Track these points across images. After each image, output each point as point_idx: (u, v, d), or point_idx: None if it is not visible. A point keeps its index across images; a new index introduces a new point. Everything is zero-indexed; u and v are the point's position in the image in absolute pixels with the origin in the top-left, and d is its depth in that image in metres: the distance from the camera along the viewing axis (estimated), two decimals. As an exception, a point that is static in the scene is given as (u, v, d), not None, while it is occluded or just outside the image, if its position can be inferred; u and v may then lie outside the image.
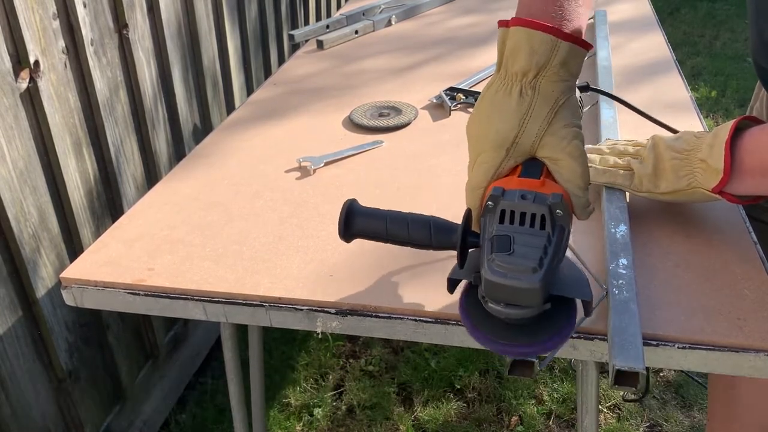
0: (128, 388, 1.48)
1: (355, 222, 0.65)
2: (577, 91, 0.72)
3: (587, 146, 0.87)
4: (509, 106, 0.62)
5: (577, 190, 0.61)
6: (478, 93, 1.23)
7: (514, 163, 0.63)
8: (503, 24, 0.64)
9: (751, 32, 0.85)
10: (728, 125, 0.71)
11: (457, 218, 0.87)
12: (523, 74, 0.61)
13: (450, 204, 0.91)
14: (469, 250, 0.62)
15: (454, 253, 0.62)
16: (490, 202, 0.60)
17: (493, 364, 1.81)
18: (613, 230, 0.77)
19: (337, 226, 0.65)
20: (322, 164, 1.02)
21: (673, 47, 1.47)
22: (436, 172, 1.00)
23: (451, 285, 0.63)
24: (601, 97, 1.12)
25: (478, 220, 0.64)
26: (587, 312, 0.61)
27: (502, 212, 0.59)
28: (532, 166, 0.62)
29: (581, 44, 0.62)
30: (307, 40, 1.63)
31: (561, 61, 0.61)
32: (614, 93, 1.11)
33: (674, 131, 0.88)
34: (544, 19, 0.61)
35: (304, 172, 1.01)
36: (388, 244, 0.65)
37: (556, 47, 0.60)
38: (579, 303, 0.62)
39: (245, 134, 1.15)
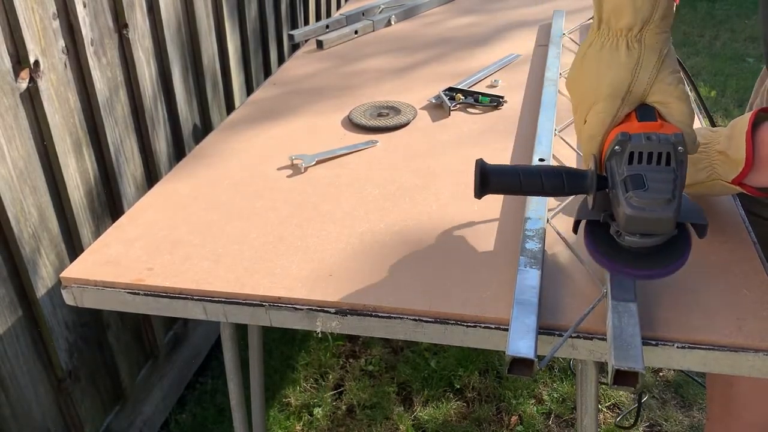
0: (128, 388, 1.48)
1: (490, 180, 0.71)
2: None
3: None
4: (619, 59, 0.67)
5: (687, 128, 0.67)
6: (478, 93, 1.23)
7: (628, 110, 0.69)
8: None
9: (764, 22, 0.87)
10: (746, 117, 0.73)
11: (458, 217, 0.87)
12: (628, 29, 0.67)
13: (450, 203, 0.91)
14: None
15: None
16: (617, 147, 0.65)
17: (493, 363, 1.81)
18: (612, 230, 0.77)
19: (473, 186, 0.72)
20: (314, 162, 1.02)
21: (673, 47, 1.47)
22: (435, 171, 1.00)
23: (577, 225, 0.70)
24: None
25: (601, 165, 0.70)
26: (701, 234, 0.66)
27: (631, 154, 0.64)
28: (647, 111, 0.68)
29: None
30: (306, 40, 1.63)
31: (661, 16, 0.66)
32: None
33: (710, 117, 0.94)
34: None
35: (295, 169, 1.02)
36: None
37: (657, 3, 0.66)
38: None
39: (245, 134, 1.15)
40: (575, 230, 0.70)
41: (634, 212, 0.61)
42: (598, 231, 0.68)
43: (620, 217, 0.63)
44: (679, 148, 0.64)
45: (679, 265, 0.65)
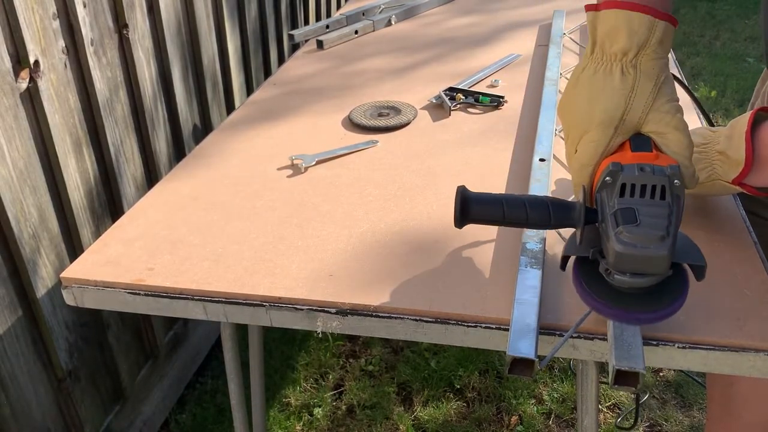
0: (128, 388, 1.48)
1: (471, 209, 0.66)
2: None
3: None
4: (612, 85, 0.64)
5: (685, 161, 0.64)
6: (478, 93, 1.23)
7: (622, 140, 0.65)
8: (592, 8, 0.65)
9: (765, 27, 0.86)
10: (745, 116, 0.72)
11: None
12: (623, 54, 0.64)
13: (450, 203, 0.91)
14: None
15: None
16: (608, 178, 0.62)
17: (493, 364, 1.81)
18: (612, 230, 0.77)
19: (453, 214, 0.66)
20: (314, 162, 1.02)
21: (673, 47, 1.47)
22: (435, 171, 1.00)
23: (565, 262, 0.65)
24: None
25: (591, 196, 0.66)
26: (699, 277, 0.62)
27: (623, 186, 0.61)
28: (641, 141, 0.65)
29: (673, 22, 0.64)
30: (307, 40, 1.63)
31: (658, 40, 0.63)
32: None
33: (706, 115, 0.92)
34: (639, 0, 0.63)
35: (295, 169, 1.02)
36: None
37: (654, 27, 0.63)
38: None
39: (245, 134, 1.15)
40: (563, 267, 0.64)
41: (624, 249, 0.57)
42: (586, 269, 0.63)
43: (609, 253, 0.59)
44: (675, 181, 0.60)
45: (674, 310, 0.61)
